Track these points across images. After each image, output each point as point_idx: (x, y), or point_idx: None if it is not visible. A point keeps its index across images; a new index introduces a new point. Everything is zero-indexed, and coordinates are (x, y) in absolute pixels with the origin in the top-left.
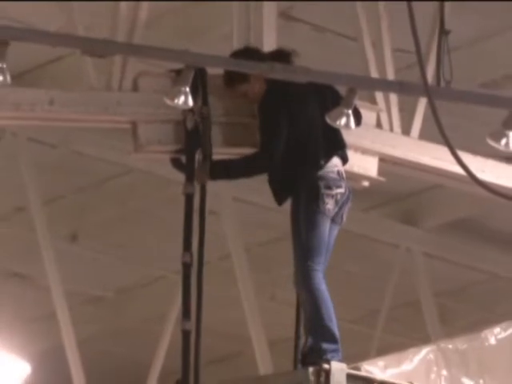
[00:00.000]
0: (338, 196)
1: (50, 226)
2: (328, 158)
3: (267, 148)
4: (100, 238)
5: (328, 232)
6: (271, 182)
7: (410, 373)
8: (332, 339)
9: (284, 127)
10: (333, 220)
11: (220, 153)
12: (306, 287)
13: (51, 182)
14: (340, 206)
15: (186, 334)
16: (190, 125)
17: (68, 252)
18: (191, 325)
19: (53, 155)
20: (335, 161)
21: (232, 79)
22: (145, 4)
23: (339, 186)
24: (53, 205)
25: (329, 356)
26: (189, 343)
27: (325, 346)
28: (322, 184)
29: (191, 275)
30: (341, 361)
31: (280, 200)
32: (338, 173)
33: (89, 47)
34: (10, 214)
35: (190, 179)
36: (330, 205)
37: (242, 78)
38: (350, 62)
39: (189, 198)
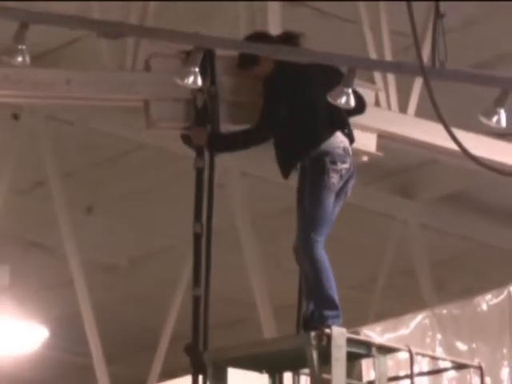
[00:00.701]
0: (343, 171)
1: (68, 199)
2: (331, 133)
3: (263, 120)
4: (114, 210)
5: (332, 206)
6: (277, 157)
7: (406, 337)
8: (333, 306)
9: (282, 102)
10: (337, 195)
11: (228, 129)
12: (307, 257)
13: (68, 158)
14: (345, 182)
15: (196, 300)
16: (199, 103)
17: (84, 223)
18: (201, 291)
19: (70, 132)
20: (341, 137)
21: (243, 61)
22: None
23: (344, 162)
24: (70, 179)
25: (330, 322)
26: (199, 308)
27: (326, 312)
28: (327, 159)
29: (201, 245)
30: (341, 326)
31: (285, 174)
32: (344, 149)
33: (104, 30)
34: (29, 188)
35: (200, 154)
36: (334, 179)
37: (253, 59)
38: (350, 44)
39: (199, 172)
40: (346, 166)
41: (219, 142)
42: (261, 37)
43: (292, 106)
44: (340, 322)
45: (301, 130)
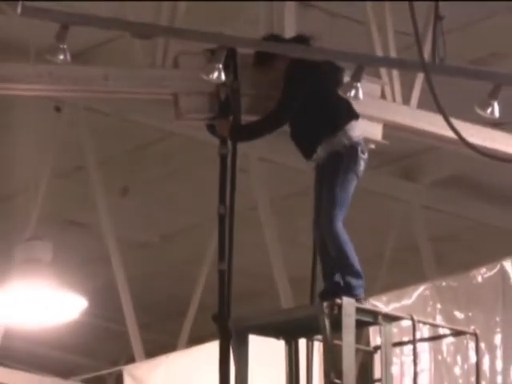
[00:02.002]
0: (366, 160)
1: (104, 182)
2: (348, 119)
3: (278, 109)
4: (146, 192)
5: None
6: (299, 141)
7: (409, 307)
8: (358, 275)
9: (298, 93)
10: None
11: (248, 120)
12: (332, 232)
13: (105, 145)
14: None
15: (221, 274)
16: (222, 96)
17: (119, 204)
18: (225, 265)
19: (106, 122)
20: (360, 129)
21: (260, 58)
22: None
23: (366, 152)
24: (106, 164)
25: (357, 291)
26: (224, 281)
27: (353, 281)
28: (359, 148)
29: (225, 224)
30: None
31: (309, 156)
32: (364, 140)
33: (136, 30)
34: (70, 172)
35: (223, 142)
36: (362, 167)
37: (268, 57)
38: (358, 42)
39: (223, 158)
40: (367, 155)
41: (240, 132)
42: (276, 38)
43: (312, 94)
44: (363, 291)
45: (322, 115)
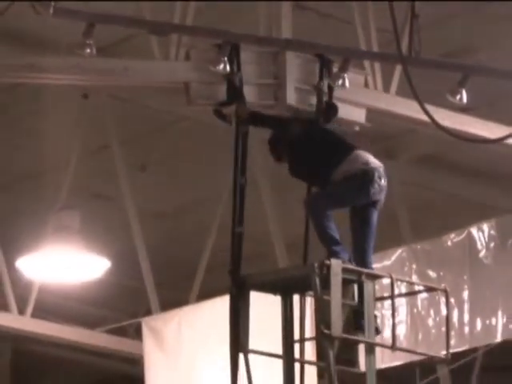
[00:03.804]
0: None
1: (126, 160)
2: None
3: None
4: (163, 168)
5: None
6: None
7: (388, 267)
8: (336, 242)
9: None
10: None
11: (250, 105)
12: (312, 214)
13: (126, 128)
14: None
15: (239, 235)
16: (229, 84)
17: (139, 179)
18: (243, 228)
19: (126, 107)
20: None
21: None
22: None
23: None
24: (127, 144)
25: (341, 256)
26: (240, 242)
27: (335, 248)
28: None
29: (244, 193)
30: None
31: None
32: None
33: (153, 28)
34: (96, 151)
35: (243, 122)
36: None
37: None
38: (345, 39)
39: (244, 136)
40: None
41: (256, 119)
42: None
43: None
44: (347, 254)
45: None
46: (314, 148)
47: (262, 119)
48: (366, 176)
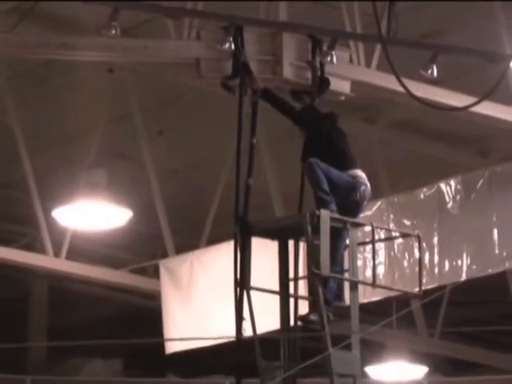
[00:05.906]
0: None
1: (145, 126)
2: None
3: (298, 116)
4: (176, 132)
5: None
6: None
7: (370, 217)
8: (327, 193)
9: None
10: None
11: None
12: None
13: (146, 98)
14: None
15: (248, 187)
16: (234, 60)
17: (157, 141)
18: (252, 181)
19: (146, 81)
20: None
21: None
22: None
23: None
24: (147, 112)
25: (330, 206)
26: (249, 192)
27: (325, 197)
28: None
29: (254, 152)
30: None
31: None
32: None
33: (169, 12)
34: (120, 118)
35: (255, 92)
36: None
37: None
38: (333, 21)
39: (255, 104)
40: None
41: (270, 94)
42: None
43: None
44: (335, 206)
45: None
46: (329, 146)
47: (274, 98)
48: (357, 184)
